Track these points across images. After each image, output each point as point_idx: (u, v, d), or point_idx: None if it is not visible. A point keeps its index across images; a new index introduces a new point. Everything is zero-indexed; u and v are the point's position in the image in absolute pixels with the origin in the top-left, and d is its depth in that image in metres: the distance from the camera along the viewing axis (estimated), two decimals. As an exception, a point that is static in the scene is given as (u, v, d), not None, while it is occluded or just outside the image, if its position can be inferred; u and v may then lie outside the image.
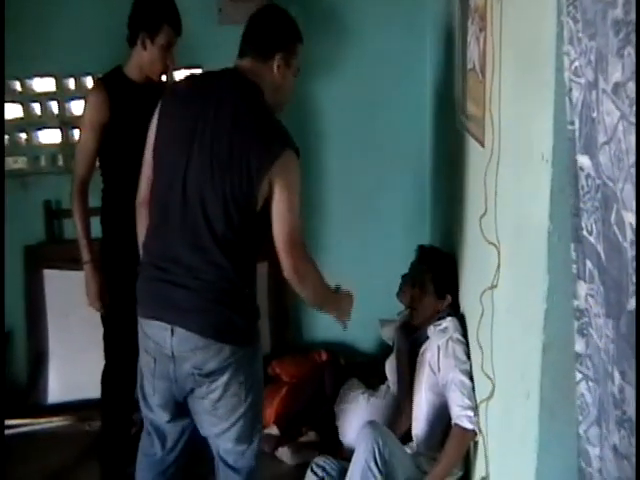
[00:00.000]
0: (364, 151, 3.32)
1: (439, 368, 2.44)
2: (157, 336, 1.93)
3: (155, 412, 2.06)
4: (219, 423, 1.99)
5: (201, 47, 2.99)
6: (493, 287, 2.03)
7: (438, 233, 3.15)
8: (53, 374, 3.33)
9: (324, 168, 3.33)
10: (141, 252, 2.05)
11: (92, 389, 3.18)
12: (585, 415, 1.44)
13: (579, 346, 1.43)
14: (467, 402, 2.30)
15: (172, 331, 1.89)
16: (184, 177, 1.90)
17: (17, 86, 3.19)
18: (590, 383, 1.40)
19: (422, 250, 2.77)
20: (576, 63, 1.35)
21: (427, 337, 2.58)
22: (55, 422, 3.20)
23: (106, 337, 2.65)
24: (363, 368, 3.13)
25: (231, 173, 1.86)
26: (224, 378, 1.92)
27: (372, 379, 2.94)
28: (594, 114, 1.26)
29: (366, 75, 3.24)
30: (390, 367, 2.81)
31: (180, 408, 2.04)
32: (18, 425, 3.20)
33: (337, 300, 2.15)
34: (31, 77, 3.18)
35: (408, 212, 3.39)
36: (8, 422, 3.18)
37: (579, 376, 1.44)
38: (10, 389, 3.32)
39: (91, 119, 2.49)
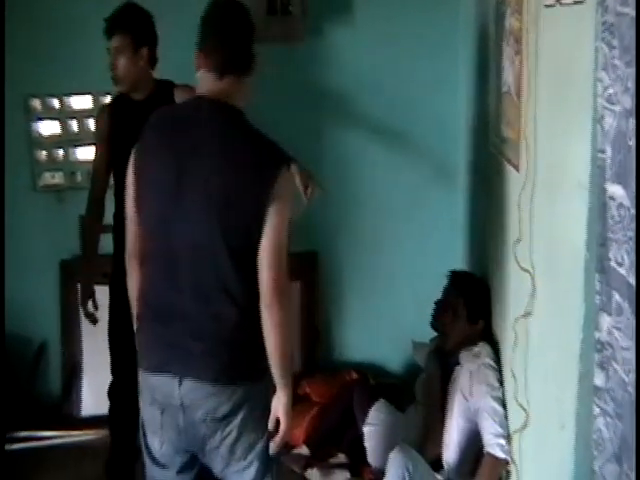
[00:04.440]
0: (396, 172, 3.29)
1: (471, 394, 2.40)
2: (164, 387, 1.83)
3: (163, 467, 1.94)
4: (237, 463, 1.88)
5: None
6: (527, 314, 2.00)
7: (471, 256, 3.12)
8: (87, 387, 3.36)
9: (356, 191, 3.32)
10: (138, 304, 1.94)
11: (125, 402, 3.23)
12: (601, 451, 1.40)
13: (599, 380, 1.40)
14: (499, 430, 2.26)
15: (180, 381, 1.80)
16: (177, 228, 1.78)
17: (55, 104, 3.25)
18: (608, 419, 1.36)
19: (454, 275, 2.74)
20: (610, 90, 1.33)
21: (459, 362, 2.54)
22: (88, 435, 3.22)
23: (112, 353, 2.70)
24: (393, 389, 3.10)
25: (230, 211, 1.74)
26: (239, 418, 1.82)
27: (401, 401, 2.91)
28: (630, 142, 1.23)
29: (399, 95, 3.23)
30: (420, 388, 2.79)
31: (190, 459, 1.93)
32: (51, 437, 3.23)
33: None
34: (69, 95, 3.23)
35: (441, 234, 3.35)
36: (41, 433, 3.22)
37: (597, 410, 1.41)
38: (44, 400, 3.36)
39: (97, 134, 2.71)
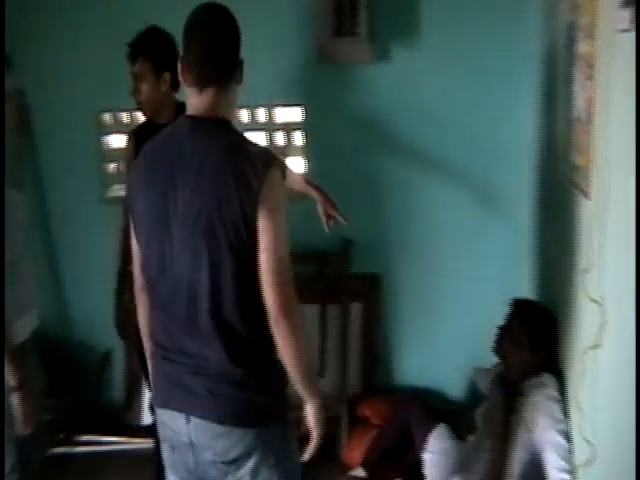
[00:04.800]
0: (461, 195, 3.25)
1: (535, 426, 2.34)
2: (173, 424, 1.77)
3: None
4: None
5: (301, 85, 3.02)
6: (596, 347, 1.94)
7: (536, 284, 3.04)
8: (148, 397, 3.42)
9: (417, 215, 3.29)
10: (150, 341, 1.88)
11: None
12: None
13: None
14: (563, 464, 2.20)
15: (187, 419, 1.73)
16: (169, 262, 1.70)
17: (125, 118, 3.34)
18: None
19: (517, 304, 2.66)
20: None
21: (523, 393, 2.48)
22: (147, 443, 3.27)
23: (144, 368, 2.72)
24: (453, 415, 3.04)
25: (218, 234, 1.63)
26: (251, 463, 1.73)
27: (462, 427, 2.85)
28: None
29: (464, 120, 3.17)
30: (482, 417, 2.73)
31: None
32: (111, 442, 3.31)
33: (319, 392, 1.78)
34: (137, 110, 3.31)
35: (503, 260, 3.28)
36: (102, 438, 3.31)
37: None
38: (107, 408, 3.46)
39: (125, 159, 2.77)
